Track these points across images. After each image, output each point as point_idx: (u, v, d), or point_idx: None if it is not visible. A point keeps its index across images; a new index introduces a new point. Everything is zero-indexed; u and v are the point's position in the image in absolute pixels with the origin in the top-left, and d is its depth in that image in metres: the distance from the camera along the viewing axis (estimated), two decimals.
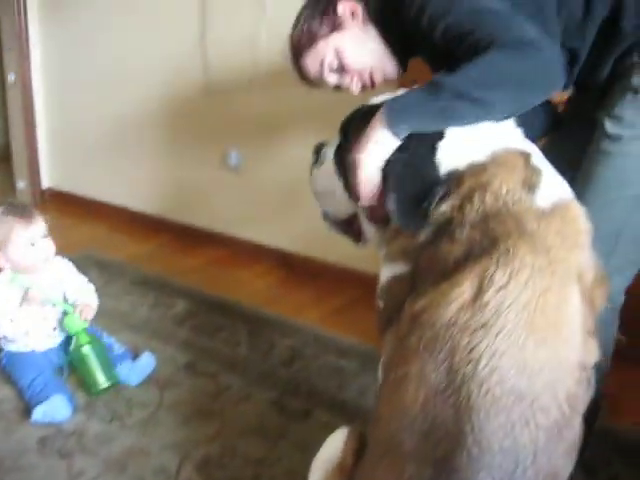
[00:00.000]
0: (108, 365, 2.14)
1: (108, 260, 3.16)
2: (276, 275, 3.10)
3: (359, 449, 1.25)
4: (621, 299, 1.58)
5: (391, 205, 1.29)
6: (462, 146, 1.27)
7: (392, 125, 1.29)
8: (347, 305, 2.80)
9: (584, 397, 1.13)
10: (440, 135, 1.29)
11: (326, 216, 1.64)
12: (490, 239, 1.15)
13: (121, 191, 3.85)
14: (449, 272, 1.17)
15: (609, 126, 1.48)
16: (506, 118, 1.33)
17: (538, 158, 1.27)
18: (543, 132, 1.62)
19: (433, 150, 1.28)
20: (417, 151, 1.29)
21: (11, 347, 2.19)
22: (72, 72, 3.93)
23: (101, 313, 2.46)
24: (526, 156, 1.25)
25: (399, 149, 1.30)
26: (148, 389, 2.14)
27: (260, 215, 3.22)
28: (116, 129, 3.76)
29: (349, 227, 1.61)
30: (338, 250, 2.95)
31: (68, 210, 3.98)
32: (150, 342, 2.41)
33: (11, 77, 4.13)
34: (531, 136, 1.36)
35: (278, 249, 3.19)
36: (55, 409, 1.97)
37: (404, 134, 1.30)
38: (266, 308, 2.71)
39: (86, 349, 2.12)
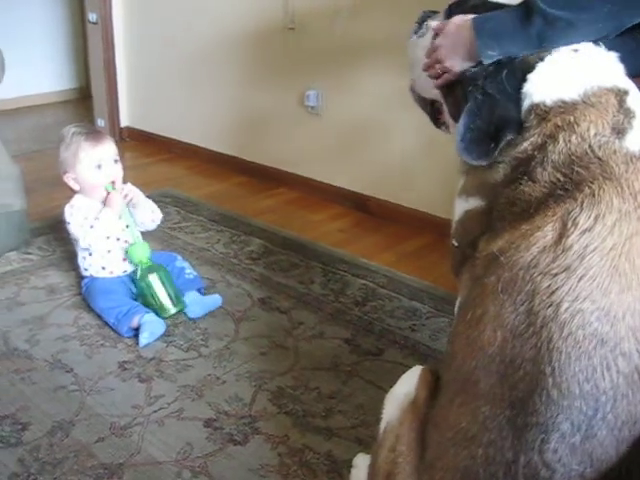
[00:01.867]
0: (175, 292, 2.19)
1: (185, 197, 3.20)
2: (351, 218, 3.10)
3: (433, 387, 1.25)
4: None
5: (459, 129, 1.27)
6: (553, 80, 1.22)
7: (480, 50, 1.27)
8: (420, 249, 2.78)
9: None
10: (532, 66, 1.25)
11: (413, 89, 1.64)
12: (574, 181, 1.11)
13: (198, 131, 3.88)
14: (529, 213, 1.14)
15: None
16: (603, 38, 1.28)
17: (635, 98, 1.21)
18: None
19: (521, 82, 1.24)
20: (503, 80, 1.25)
21: (91, 272, 2.26)
22: (153, 11, 3.95)
23: (179, 247, 2.53)
24: (621, 95, 1.20)
25: (484, 73, 1.28)
26: (224, 321, 2.18)
27: (336, 157, 3.21)
28: (195, 68, 3.78)
29: (431, 107, 1.61)
30: (413, 194, 2.94)
31: (145, 149, 4.05)
32: (226, 277, 2.46)
33: (92, 16, 4.17)
34: (634, 72, 1.30)
35: (353, 192, 3.18)
36: (154, 327, 2.06)
37: (492, 60, 1.27)
38: (340, 249, 2.72)
39: (151, 277, 2.16)
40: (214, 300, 2.26)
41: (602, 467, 1.01)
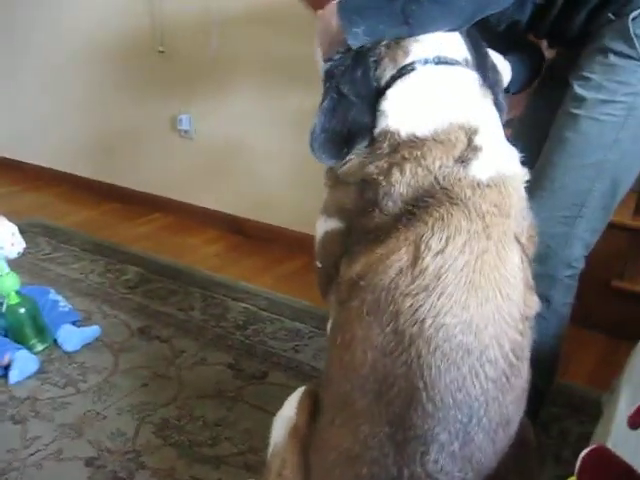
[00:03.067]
0: (44, 326, 2.13)
1: (55, 227, 3.09)
2: (227, 241, 3.08)
3: (312, 409, 1.26)
4: (581, 265, 1.60)
5: (314, 127, 1.27)
6: (410, 112, 1.22)
7: (345, 27, 1.24)
8: (298, 270, 2.80)
9: (528, 345, 1.16)
10: (391, 83, 1.25)
11: None
12: (422, 208, 1.15)
13: (66, 157, 3.77)
14: (381, 238, 1.17)
15: (577, 87, 1.47)
16: (466, 23, 1.29)
17: (484, 136, 1.21)
18: (526, 82, 1.59)
19: (379, 96, 1.24)
20: (357, 81, 1.25)
21: None
22: (12, 35, 3.81)
23: (51, 280, 2.43)
24: (471, 134, 1.22)
25: (341, 68, 1.26)
26: (102, 354, 2.12)
27: (211, 181, 3.19)
28: (59, 92, 3.67)
29: None
30: (289, 215, 2.96)
31: (11, 176, 3.89)
32: (102, 307, 2.39)
33: None
34: (516, 85, 1.34)
35: (228, 214, 3.16)
36: (26, 364, 1.98)
37: (360, 41, 1.24)
38: (218, 273, 2.69)
39: (20, 311, 2.09)
40: (92, 331, 2.21)
41: (483, 469, 1.05)
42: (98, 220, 3.28)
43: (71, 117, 3.66)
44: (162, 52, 3.15)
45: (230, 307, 2.42)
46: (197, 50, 3.04)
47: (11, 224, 2.20)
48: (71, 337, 2.15)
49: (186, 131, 3.17)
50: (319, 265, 1.37)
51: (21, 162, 4.00)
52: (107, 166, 3.58)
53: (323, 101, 1.28)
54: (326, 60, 1.31)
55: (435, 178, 1.16)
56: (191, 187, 3.26)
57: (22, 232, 2.27)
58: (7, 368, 1.97)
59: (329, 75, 1.28)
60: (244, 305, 2.44)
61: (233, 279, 2.64)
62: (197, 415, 1.85)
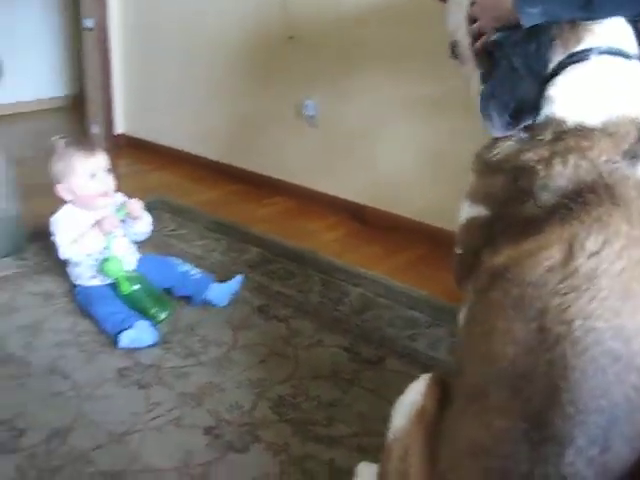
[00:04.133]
0: (159, 298, 2.19)
1: (180, 205, 3.19)
2: (347, 227, 3.09)
3: (440, 396, 1.24)
4: None
5: (483, 95, 1.26)
6: (580, 100, 1.19)
7: (519, 6, 1.21)
8: (417, 260, 2.77)
9: None
10: (560, 69, 1.22)
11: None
12: (580, 204, 1.11)
13: (193, 138, 3.88)
14: (531, 231, 1.14)
15: None
16: None
17: None
18: None
19: (550, 78, 1.22)
20: (531, 55, 1.22)
21: (82, 282, 2.25)
22: (149, 17, 3.95)
23: (174, 255, 2.50)
24: None
25: (514, 39, 1.24)
26: (223, 329, 2.17)
27: (333, 166, 3.21)
28: (192, 75, 3.78)
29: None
30: (410, 204, 2.94)
31: (140, 156, 4.03)
32: None
33: (88, 22, 4.16)
34: None
35: (349, 201, 3.17)
36: (141, 334, 2.03)
37: (534, 21, 1.21)
38: (337, 259, 2.70)
39: (134, 289, 2.16)
40: (236, 282, 2.31)
41: (617, 476, 1.01)
42: (221, 201, 3.35)
43: (200, 101, 3.76)
44: (291, 38, 3.18)
45: (348, 292, 2.43)
46: (326, 36, 3.06)
47: (147, 214, 2.31)
48: (219, 293, 2.26)
49: (311, 117, 3.20)
50: (459, 251, 1.35)
51: (150, 142, 4.13)
52: (232, 149, 3.66)
53: (486, 70, 1.26)
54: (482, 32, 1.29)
55: (599, 173, 1.12)
56: (313, 173, 3.29)
57: (149, 209, 2.36)
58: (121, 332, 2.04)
59: (497, 46, 1.26)
60: (362, 291, 2.44)
61: (352, 265, 2.64)
62: (312, 395, 1.87)
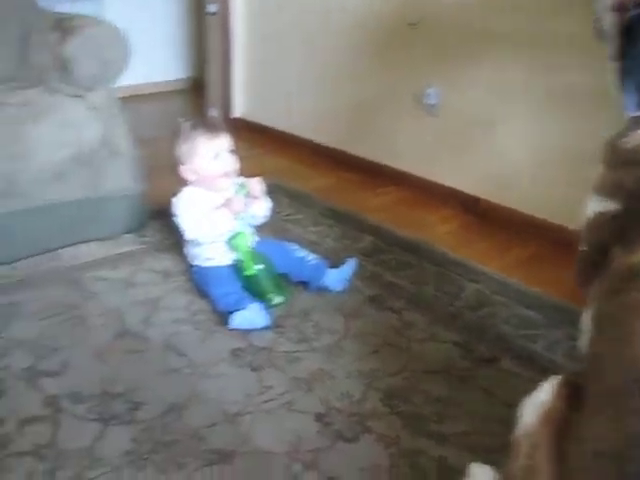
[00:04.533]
0: (278, 282, 2.21)
1: (296, 190, 3.20)
2: (461, 220, 3.03)
3: (572, 397, 1.19)
4: None
5: (620, 70, 1.20)
6: None
7: None
8: (535, 257, 2.68)
9: None
10: None
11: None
12: None
13: (309, 124, 3.89)
14: None
15: None
16: None
17: None
18: None
19: None
20: None
21: (199, 262, 2.29)
22: (271, 3, 3.98)
23: (290, 239, 2.51)
24: None
25: None
26: (335, 317, 2.16)
27: (450, 157, 3.14)
28: (310, 61, 3.78)
29: None
30: (528, 199, 2.85)
31: (256, 140, 4.07)
32: None
33: (212, 7, 4.24)
34: None
35: (465, 193, 3.11)
36: (253, 316, 2.05)
37: None
38: (452, 252, 2.65)
39: (256, 268, 2.18)
40: (350, 266, 2.31)
41: None
42: (335, 188, 3.35)
43: (318, 86, 3.76)
44: (413, 25, 3.14)
45: (463, 287, 2.38)
46: (449, 23, 2.99)
47: (267, 198, 2.33)
48: (335, 278, 2.27)
49: (432, 105, 3.14)
50: (584, 249, 1.29)
51: (266, 127, 4.17)
52: (349, 135, 3.65)
53: (625, 47, 1.21)
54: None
55: None
56: (431, 163, 3.23)
57: (267, 193, 2.38)
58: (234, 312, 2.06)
59: (637, 22, 1.20)
60: (477, 287, 2.38)
61: (467, 259, 2.59)
62: (424, 389, 1.83)
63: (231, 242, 2.20)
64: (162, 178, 3.01)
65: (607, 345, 1.12)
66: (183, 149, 2.24)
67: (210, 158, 2.22)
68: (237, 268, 2.22)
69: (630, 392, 1.02)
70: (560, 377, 1.23)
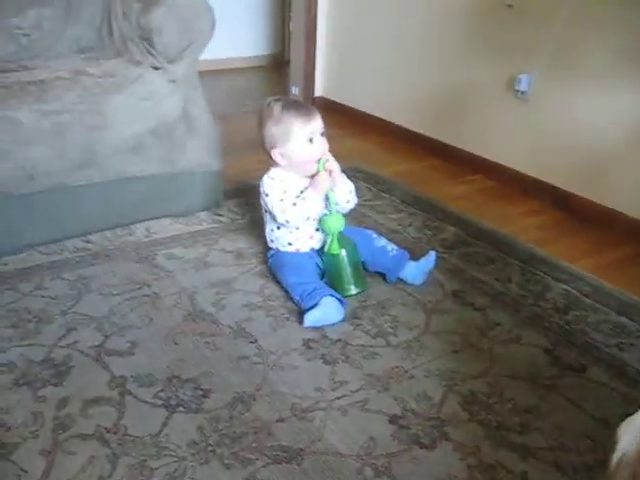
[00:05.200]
0: (359, 272, 2.11)
1: (376, 174, 3.10)
2: (549, 215, 2.87)
3: None
4: None
5: None
6: None
7: None
8: (627, 259, 2.51)
9: None
10: None
11: None
12: None
13: (392, 106, 3.77)
14: None
15: None
16: None
17: None
18: None
19: None
20: None
21: (278, 246, 2.20)
22: None
23: (369, 227, 2.41)
24: None
25: None
26: (414, 311, 2.06)
27: (541, 148, 2.98)
28: (396, 42, 3.66)
29: None
30: (625, 196, 2.68)
31: (336, 120, 3.96)
32: None
33: None
34: None
35: (554, 186, 2.94)
36: (328, 312, 1.95)
37: None
38: (538, 248, 2.51)
39: (341, 252, 2.08)
40: (429, 260, 2.21)
41: None
42: (418, 174, 3.23)
43: (404, 67, 3.64)
44: (510, 6, 2.98)
45: (550, 286, 2.24)
46: (548, 6, 2.82)
47: (349, 182, 2.21)
48: (415, 271, 2.18)
49: (523, 92, 2.98)
50: None
51: (347, 107, 4.08)
52: (433, 120, 3.52)
53: None
54: None
55: None
56: (518, 152, 3.08)
57: (346, 176, 2.28)
58: (310, 308, 1.97)
59: None
60: (565, 287, 2.24)
61: (555, 256, 2.44)
62: (507, 396, 1.71)
63: (323, 220, 2.11)
64: (239, 156, 2.97)
65: None
66: (274, 131, 2.12)
67: (305, 142, 2.10)
68: (322, 250, 2.14)
69: None
70: None
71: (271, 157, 2.14)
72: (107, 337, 1.85)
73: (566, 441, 1.57)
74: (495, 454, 1.53)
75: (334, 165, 2.14)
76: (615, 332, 2.02)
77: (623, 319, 2.09)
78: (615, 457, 1.11)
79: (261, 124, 2.14)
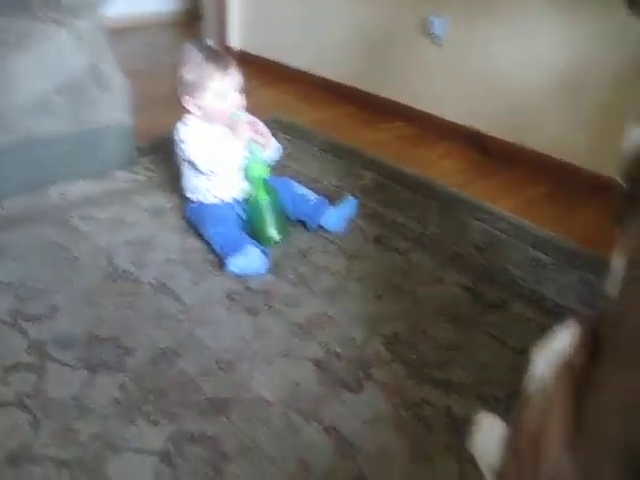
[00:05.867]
0: (281, 219, 2.10)
1: (295, 125, 3.07)
2: (468, 158, 2.90)
3: (592, 346, 1.09)
4: None
5: None
6: None
7: None
8: (546, 198, 2.57)
9: None
10: None
11: None
12: None
13: (307, 56, 3.73)
14: None
15: None
16: None
17: None
18: None
19: None
20: None
21: (199, 196, 2.17)
22: None
23: (290, 177, 2.39)
24: None
25: None
26: (336, 257, 2.06)
27: (457, 92, 3.00)
28: None
29: None
30: (541, 137, 2.72)
31: (252, 73, 3.89)
32: None
33: None
34: None
35: (473, 130, 2.97)
36: (251, 261, 1.94)
37: None
38: (458, 190, 2.53)
39: (264, 198, 2.06)
40: (349, 204, 2.22)
41: None
42: (336, 122, 3.21)
43: (318, 16, 3.59)
44: None
45: (470, 227, 2.27)
46: None
47: (273, 139, 2.20)
48: (335, 218, 2.18)
49: (438, 36, 2.98)
50: (622, 184, 1.18)
51: (262, 58, 4.01)
52: (349, 68, 3.49)
53: None
54: None
55: None
56: (435, 97, 3.09)
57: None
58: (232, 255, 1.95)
59: None
60: (485, 226, 2.27)
61: (474, 197, 2.47)
62: (430, 334, 1.74)
63: (246, 167, 2.09)
64: (154, 113, 2.90)
65: (634, 289, 1.01)
66: (189, 78, 2.06)
67: (218, 97, 2.06)
68: (245, 200, 2.13)
69: None
70: (578, 324, 1.13)
71: (185, 104, 2.09)
72: (24, 302, 1.79)
73: (488, 374, 1.61)
74: (419, 392, 1.55)
75: (263, 129, 2.13)
76: (533, 267, 2.07)
77: (540, 254, 2.13)
78: (530, 383, 1.14)
79: (178, 66, 2.09)
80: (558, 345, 1.13)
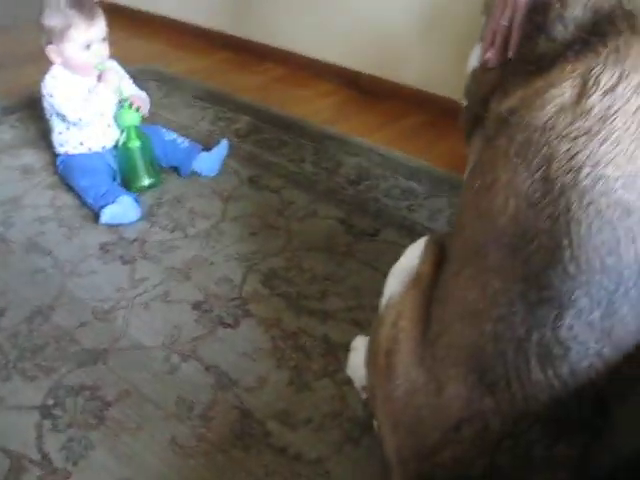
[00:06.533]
0: (153, 165, 2.09)
1: (167, 74, 3.01)
2: (341, 95, 2.92)
3: (438, 260, 1.15)
4: None
5: None
6: None
7: None
8: (415, 128, 2.62)
9: None
10: None
11: None
12: (597, 35, 0.99)
13: (176, 4, 3.64)
14: (544, 67, 1.03)
15: None
16: None
17: None
18: None
19: None
20: None
21: (67, 149, 2.12)
22: None
23: (161, 125, 2.36)
24: None
25: None
26: (211, 201, 2.06)
27: (326, 31, 3.00)
28: None
29: None
30: (408, 71, 2.77)
31: (119, 24, 3.76)
32: None
33: None
34: None
35: (343, 68, 2.99)
36: (125, 210, 1.92)
37: None
38: (331, 127, 2.56)
39: (135, 144, 2.04)
40: (222, 147, 2.21)
41: (622, 345, 0.92)
42: (209, 69, 3.17)
43: None
44: None
45: (343, 162, 2.30)
46: None
47: (142, 93, 2.17)
48: (208, 162, 2.16)
49: None
50: (464, 103, 1.23)
51: (129, 8, 3.89)
52: (219, 13, 3.43)
53: None
54: None
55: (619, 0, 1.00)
56: (304, 37, 3.08)
57: (133, 78, 2.22)
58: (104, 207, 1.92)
59: None
60: (357, 160, 2.31)
61: (346, 133, 2.51)
62: (305, 268, 1.78)
63: (117, 115, 2.07)
64: (18, 70, 2.79)
65: (471, 199, 1.07)
66: (52, 24, 1.98)
67: (81, 48, 2.00)
68: (116, 147, 2.10)
69: (488, 249, 0.98)
70: (427, 239, 1.19)
71: (47, 52, 2.03)
72: None
73: (362, 301, 1.67)
74: (297, 322, 1.60)
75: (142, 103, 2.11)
76: (405, 196, 2.13)
77: (412, 183, 2.20)
78: (383, 300, 1.19)
79: (42, 10, 2.01)
80: (409, 262, 1.18)
